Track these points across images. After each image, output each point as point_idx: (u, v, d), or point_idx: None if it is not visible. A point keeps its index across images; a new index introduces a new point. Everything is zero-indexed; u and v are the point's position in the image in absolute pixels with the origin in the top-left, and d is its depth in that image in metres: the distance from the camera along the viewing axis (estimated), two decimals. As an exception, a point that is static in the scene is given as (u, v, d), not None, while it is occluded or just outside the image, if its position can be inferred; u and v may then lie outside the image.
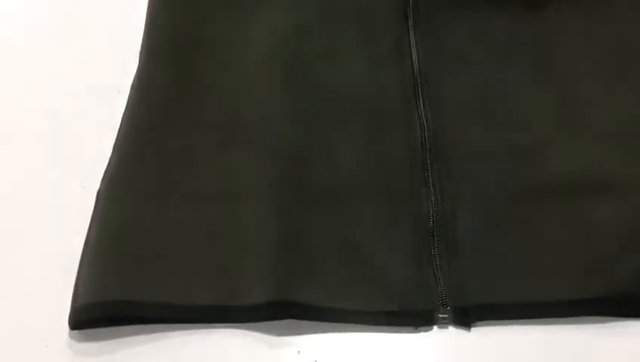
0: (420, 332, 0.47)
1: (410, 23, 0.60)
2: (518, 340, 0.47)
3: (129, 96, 0.58)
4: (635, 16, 0.61)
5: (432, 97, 0.56)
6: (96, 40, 0.65)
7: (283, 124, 0.55)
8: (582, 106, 0.56)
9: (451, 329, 0.47)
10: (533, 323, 0.47)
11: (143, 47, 0.61)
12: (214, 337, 0.47)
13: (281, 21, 0.61)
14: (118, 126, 0.56)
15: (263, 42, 0.59)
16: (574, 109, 0.55)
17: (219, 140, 0.55)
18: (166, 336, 0.47)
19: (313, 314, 0.47)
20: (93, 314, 0.46)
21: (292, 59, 0.59)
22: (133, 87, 0.58)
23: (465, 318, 0.47)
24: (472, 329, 0.47)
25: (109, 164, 0.54)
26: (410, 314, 0.47)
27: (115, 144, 0.55)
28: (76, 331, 0.47)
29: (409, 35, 0.60)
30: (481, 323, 0.47)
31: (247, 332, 0.47)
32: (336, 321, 0.47)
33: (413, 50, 0.59)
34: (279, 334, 0.47)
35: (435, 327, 0.47)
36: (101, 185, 0.53)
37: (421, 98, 0.56)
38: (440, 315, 0.47)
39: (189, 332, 0.47)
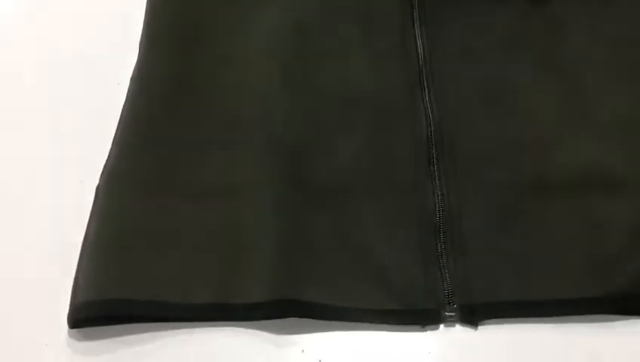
0: (426, 330, 0.47)
1: (416, 17, 0.59)
2: (524, 338, 0.46)
3: (129, 89, 0.57)
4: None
5: (437, 92, 0.56)
6: (95, 31, 0.64)
7: (284, 120, 0.54)
8: (586, 102, 0.55)
9: (458, 327, 0.47)
10: (539, 322, 0.47)
11: (142, 37, 0.61)
12: (216, 336, 0.47)
13: (282, 16, 0.60)
14: (118, 119, 0.55)
15: (263, 37, 0.59)
16: (579, 105, 0.55)
17: (219, 136, 0.54)
18: (167, 335, 0.47)
19: (317, 312, 0.46)
20: (92, 312, 0.46)
21: (293, 55, 0.58)
22: (132, 79, 0.58)
23: (472, 316, 0.47)
24: (479, 327, 0.47)
25: (108, 158, 0.53)
26: (416, 313, 0.47)
27: (114, 137, 0.54)
28: (75, 329, 0.46)
29: (414, 29, 0.59)
30: (488, 321, 0.47)
31: (250, 330, 0.47)
32: (341, 320, 0.47)
33: (419, 45, 0.58)
34: (283, 333, 0.47)
35: (442, 326, 0.47)
36: (100, 180, 0.52)
37: (426, 92, 0.56)
38: (446, 313, 0.47)
39: (191, 330, 0.47)
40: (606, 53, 0.58)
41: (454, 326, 0.47)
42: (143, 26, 0.61)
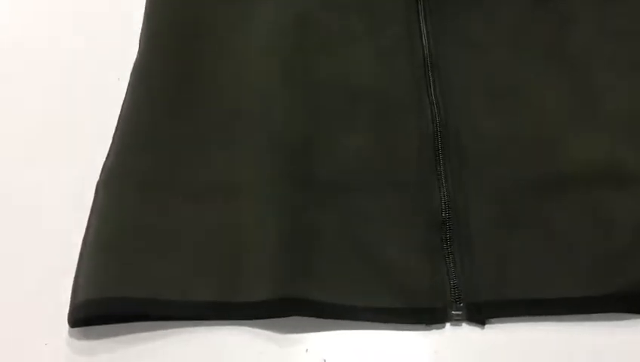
0: (432, 329, 0.46)
1: (420, 9, 0.59)
2: (531, 337, 0.46)
3: (129, 84, 0.56)
4: None
5: (443, 85, 0.55)
6: (95, 27, 0.64)
7: (285, 117, 0.54)
8: (594, 97, 0.55)
9: (464, 326, 0.46)
10: (547, 320, 0.46)
11: (142, 33, 0.60)
12: (219, 334, 0.46)
13: (282, 11, 0.59)
14: (118, 115, 0.55)
15: (263, 34, 0.58)
16: (587, 100, 0.54)
17: (220, 133, 0.53)
18: (167, 334, 0.46)
19: (321, 311, 0.46)
20: (92, 311, 0.45)
21: (294, 50, 0.57)
22: (132, 75, 0.57)
23: (478, 315, 0.46)
24: (486, 326, 0.46)
25: (108, 155, 0.53)
26: (421, 311, 0.46)
27: (114, 135, 0.54)
28: (75, 329, 0.46)
29: (419, 21, 0.58)
30: (495, 320, 0.46)
31: (253, 329, 0.46)
32: (345, 319, 0.46)
33: (424, 38, 0.58)
34: (287, 332, 0.46)
35: (448, 325, 0.46)
36: (100, 177, 0.52)
37: (432, 85, 0.55)
38: (453, 312, 0.46)
39: (192, 329, 0.46)
40: (613, 46, 0.57)
41: (461, 325, 0.46)
42: (143, 22, 0.61)
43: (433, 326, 0.46)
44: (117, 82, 0.57)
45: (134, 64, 0.58)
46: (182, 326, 0.46)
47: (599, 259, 0.47)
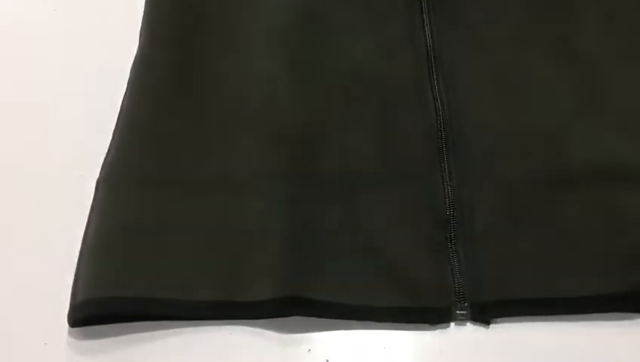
0: (436, 329, 0.46)
1: (424, 3, 0.58)
2: (538, 337, 0.45)
3: (129, 79, 0.56)
4: None
5: (447, 79, 0.55)
6: (94, 21, 0.63)
7: (289, 109, 0.53)
8: (602, 91, 0.54)
9: (469, 325, 0.46)
10: (554, 320, 0.46)
11: (143, 26, 0.59)
12: (220, 334, 0.46)
13: (286, 3, 0.59)
14: (118, 110, 0.54)
15: (266, 24, 0.58)
16: (594, 94, 0.53)
17: (222, 126, 0.53)
18: (168, 334, 0.46)
19: (324, 310, 0.45)
20: (92, 311, 0.45)
21: (298, 41, 0.57)
22: (133, 69, 0.56)
23: (483, 315, 0.46)
24: (491, 325, 0.46)
25: (108, 151, 0.52)
26: (426, 310, 0.46)
27: (114, 130, 0.53)
28: (75, 328, 0.46)
29: (422, 14, 0.58)
30: (501, 319, 0.46)
31: (255, 329, 0.46)
32: (349, 318, 0.45)
33: (427, 33, 0.57)
34: (288, 331, 0.46)
35: (453, 324, 0.46)
36: (100, 173, 0.51)
37: (436, 80, 0.54)
38: (457, 311, 0.46)
39: (193, 329, 0.46)
40: (621, 40, 0.56)
41: (465, 324, 0.46)
42: (144, 14, 0.60)
43: (437, 325, 0.46)
44: (116, 76, 0.56)
45: (134, 58, 0.57)
46: (182, 326, 0.46)
47: (609, 258, 0.47)
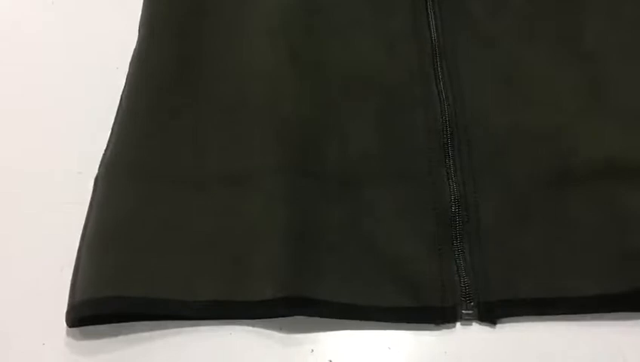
0: (441, 329, 0.45)
1: None
2: (545, 337, 0.45)
3: (128, 73, 0.55)
4: None
5: (452, 74, 0.54)
6: (92, 14, 0.63)
7: (291, 103, 0.53)
8: (608, 88, 0.53)
9: (475, 326, 0.45)
10: (561, 320, 0.45)
11: (142, 19, 0.59)
12: (221, 334, 0.45)
13: None
14: (117, 105, 0.54)
15: (269, 16, 0.57)
16: (600, 91, 0.53)
17: (224, 122, 0.52)
18: (168, 334, 0.45)
19: (326, 310, 0.45)
20: (90, 310, 0.44)
21: (302, 35, 0.56)
22: (132, 63, 0.56)
23: (490, 314, 0.45)
24: (498, 325, 0.45)
25: (107, 147, 0.52)
26: (431, 310, 0.45)
27: (113, 125, 0.53)
28: (74, 328, 0.45)
29: (427, 9, 0.57)
30: (507, 319, 0.45)
31: (256, 329, 0.45)
32: (352, 318, 0.45)
33: (432, 25, 0.56)
34: (291, 331, 0.45)
35: (458, 324, 0.45)
36: (99, 170, 0.51)
37: (440, 75, 0.54)
38: (463, 311, 0.45)
39: (194, 329, 0.45)
40: (627, 36, 0.56)
41: (471, 324, 0.45)
42: (143, 8, 0.59)
43: (443, 325, 0.45)
44: (116, 71, 0.56)
45: (133, 53, 0.56)
46: (183, 326, 0.45)
47: (617, 255, 0.46)
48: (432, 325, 0.45)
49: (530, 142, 0.50)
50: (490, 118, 0.52)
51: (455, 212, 0.48)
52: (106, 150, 0.51)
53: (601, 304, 0.45)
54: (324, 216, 0.48)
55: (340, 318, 0.45)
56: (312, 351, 0.45)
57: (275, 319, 0.45)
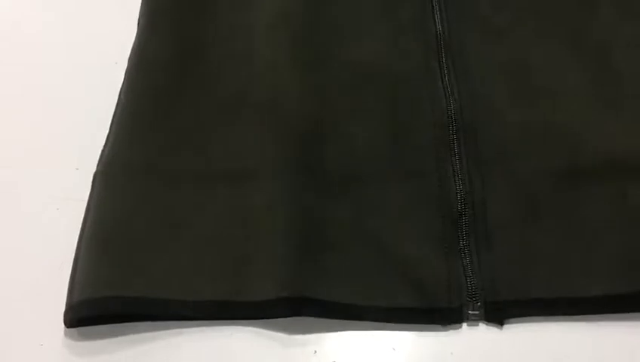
0: (448, 330, 0.44)
1: None
2: (553, 338, 0.44)
3: (127, 68, 0.55)
4: None
5: (458, 68, 0.53)
6: (91, 8, 0.63)
7: (294, 99, 0.52)
8: (619, 82, 0.52)
9: (482, 326, 0.45)
10: (570, 320, 0.44)
11: (141, 13, 0.58)
12: (222, 335, 0.44)
13: None
14: (115, 101, 0.53)
15: (271, 10, 0.56)
16: (611, 85, 0.52)
17: (225, 117, 0.51)
18: (168, 334, 0.45)
19: (330, 310, 0.44)
20: (89, 311, 0.44)
21: (304, 28, 0.55)
22: (131, 58, 0.55)
23: (497, 315, 0.44)
24: (505, 326, 0.44)
25: (105, 143, 0.51)
26: (437, 311, 0.44)
27: (112, 121, 0.52)
28: (72, 329, 0.45)
29: (432, 2, 0.56)
30: (515, 320, 0.44)
31: (258, 330, 0.45)
32: (356, 319, 0.44)
33: (437, 18, 0.56)
34: (294, 332, 0.44)
35: (465, 325, 0.45)
36: (97, 167, 0.50)
37: (446, 70, 0.53)
38: (470, 312, 0.44)
39: (194, 329, 0.45)
40: (637, 29, 0.55)
41: (478, 325, 0.45)
42: (142, 2, 0.59)
43: (449, 326, 0.44)
44: (114, 65, 0.56)
45: (132, 47, 0.56)
46: (182, 327, 0.45)
47: (628, 255, 0.45)
48: (438, 326, 0.44)
49: (539, 138, 0.50)
50: (498, 113, 0.51)
51: (462, 209, 0.47)
52: (104, 145, 0.51)
53: (613, 304, 0.44)
54: (327, 215, 0.47)
55: (342, 319, 0.44)
56: (315, 352, 0.44)
57: (277, 319, 0.44)
